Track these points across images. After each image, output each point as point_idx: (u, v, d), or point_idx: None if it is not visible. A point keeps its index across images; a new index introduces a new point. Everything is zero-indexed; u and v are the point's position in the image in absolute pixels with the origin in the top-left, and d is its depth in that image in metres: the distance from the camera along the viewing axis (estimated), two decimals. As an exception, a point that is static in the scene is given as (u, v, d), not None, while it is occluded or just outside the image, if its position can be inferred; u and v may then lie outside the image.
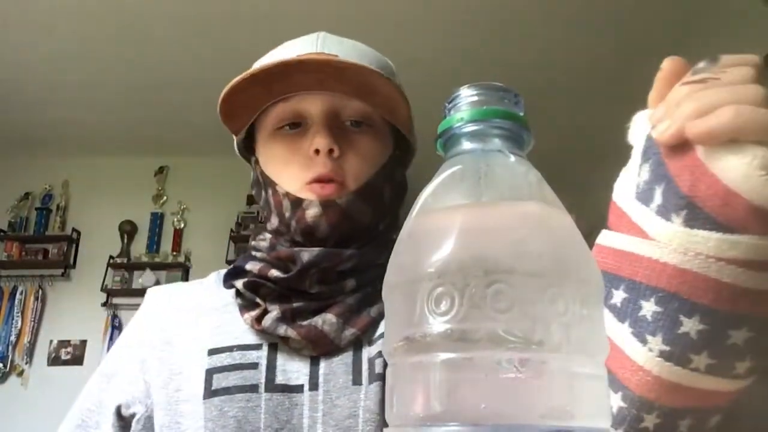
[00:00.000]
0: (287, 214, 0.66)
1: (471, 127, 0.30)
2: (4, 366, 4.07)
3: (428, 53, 3.27)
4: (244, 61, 0.87)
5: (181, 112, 3.88)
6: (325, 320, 0.63)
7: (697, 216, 0.35)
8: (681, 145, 0.36)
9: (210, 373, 0.63)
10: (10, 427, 3.95)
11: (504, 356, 0.25)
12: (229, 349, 0.64)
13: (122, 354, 0.71)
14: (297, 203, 0.65)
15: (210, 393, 0.61)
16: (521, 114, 0.31)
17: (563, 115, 3.73)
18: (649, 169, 0.39)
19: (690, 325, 0.36)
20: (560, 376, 0.25)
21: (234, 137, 0.74)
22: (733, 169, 0.33)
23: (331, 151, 0.65)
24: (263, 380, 0.61)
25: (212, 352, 0.65)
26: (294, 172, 0.66)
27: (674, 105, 0.36)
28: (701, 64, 0.38)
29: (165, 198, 4.54)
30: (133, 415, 0.67)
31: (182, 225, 4.46)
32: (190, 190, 4.50)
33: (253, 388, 0.61)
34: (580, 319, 0.26)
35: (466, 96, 0.31)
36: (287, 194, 0.66)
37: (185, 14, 3.01)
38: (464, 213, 0.28)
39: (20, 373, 4.09)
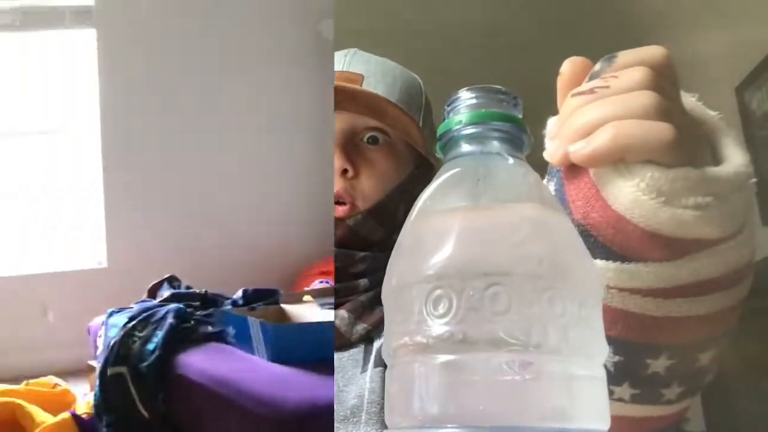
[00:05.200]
0: None
1: (469, 130, 0.30)
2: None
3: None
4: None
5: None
6: (337, 315, 0.66)
7: (593, 245, 0.32)
8: (577, 166, 0.32)
9: None
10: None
11: (502, 358, 0.25)
12: None
13: None
14: None
15: None
16: (520, 116, 0.31)
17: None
18: (553, 189, 0.36)
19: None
20: (558, 378, 0.25)
21: None
22: (622, 193, 0.30)
23: (345, 171, 0.68)
24: None
25: None
26: None
27: (564, 121, 0.33)
28: (597, 66, 0.33)
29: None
30: None
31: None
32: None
33: None
34: (578, 321, 0.26)
35: (465, 99, 0.31)
36: None
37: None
38: (463, 215, 0.28)
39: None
